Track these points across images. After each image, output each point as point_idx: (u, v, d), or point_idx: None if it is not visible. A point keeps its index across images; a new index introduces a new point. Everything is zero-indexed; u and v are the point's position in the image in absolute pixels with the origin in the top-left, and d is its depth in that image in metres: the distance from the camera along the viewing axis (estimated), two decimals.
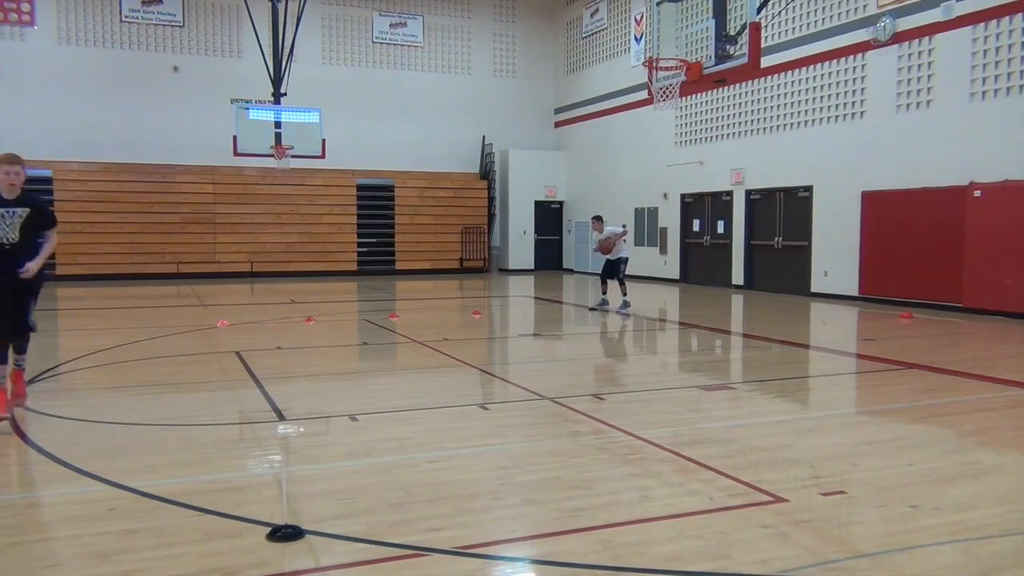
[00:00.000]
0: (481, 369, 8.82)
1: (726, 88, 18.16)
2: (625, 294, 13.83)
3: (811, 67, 16.55)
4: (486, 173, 25.85)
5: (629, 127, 22.56)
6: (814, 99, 16.53)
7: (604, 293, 14.32)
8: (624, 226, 15.59)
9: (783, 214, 17.60)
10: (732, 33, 10.72)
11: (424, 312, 15.22)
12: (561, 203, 26.40)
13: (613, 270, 14.02)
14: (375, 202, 24.43)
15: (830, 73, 16.10)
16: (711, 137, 19.65)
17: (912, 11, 14.27)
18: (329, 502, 4.24)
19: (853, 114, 15.62)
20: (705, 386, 7.51)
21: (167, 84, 22.32)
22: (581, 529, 3.85)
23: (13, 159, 5.89)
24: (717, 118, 19.39)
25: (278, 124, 18.36)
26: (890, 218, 14.75)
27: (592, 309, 14.24)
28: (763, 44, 11.45)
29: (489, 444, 5.48)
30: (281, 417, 6.23)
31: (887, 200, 14.79)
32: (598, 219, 14.45)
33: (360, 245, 24.28)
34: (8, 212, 5.86)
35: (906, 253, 14.41)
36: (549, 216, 26.33)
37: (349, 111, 23.36)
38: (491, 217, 25.93)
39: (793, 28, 16.96)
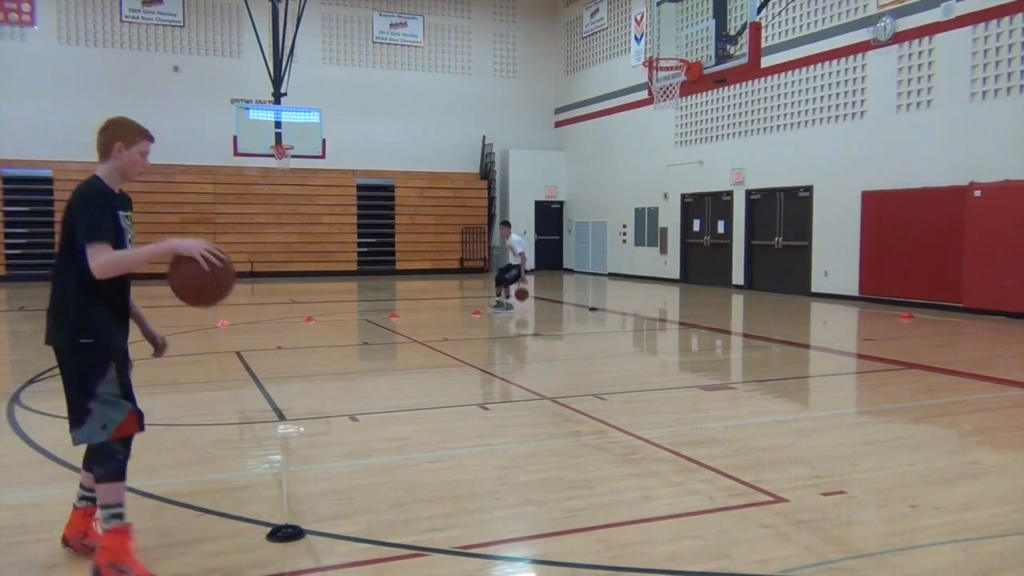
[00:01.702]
0: (481, 369, 8.82)
1: (726, 88, 18.15)
2: (508, 296, 13.87)
3: (811, 67, 16.54)
4: (486, 173, 25.85)
5: (629, 127, 22.55)
6: (814, 99, 16.52)
7: (505, 297, 13.95)
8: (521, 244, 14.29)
9: (783, 214, 17.60)
10: (732, 33, 10.72)
11: (424, 312, 15.21)
12: (561, 203, 26.39)
13: (507, 273, 13.97)
14: (375, 202, 24.43)
15: (830, 73, 16.10)
16: (711, 137, 19.64)
17: (912, 11, 14.27)
18: (329, 502, 4.24)
19: (853, 114, 15.61)
20: (705, 386, 7.51)
21: (167, 84, 22.31)
22: (581, 529, 3.84)
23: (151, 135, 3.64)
24: (717, 118, 19.38)
25: (278, 124, 18.36)
26: (890, 218, 14.74)
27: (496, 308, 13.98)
28: (763, 44, 11.44)
29: (489, 444, 5.48)
30: (281, 417, 6.23)
31: (887, 200, 14.78)
32: (505, 224, 14.55)
33: (360, 245, 24.28)
34: (127, 218, 3.59)
35: (906, 253, 14.40)
36: (549, 216, 26.32)
37: (349, 111, 23.35)
38: (491, 217, 25.92)
39: (793, 28, 16.96)
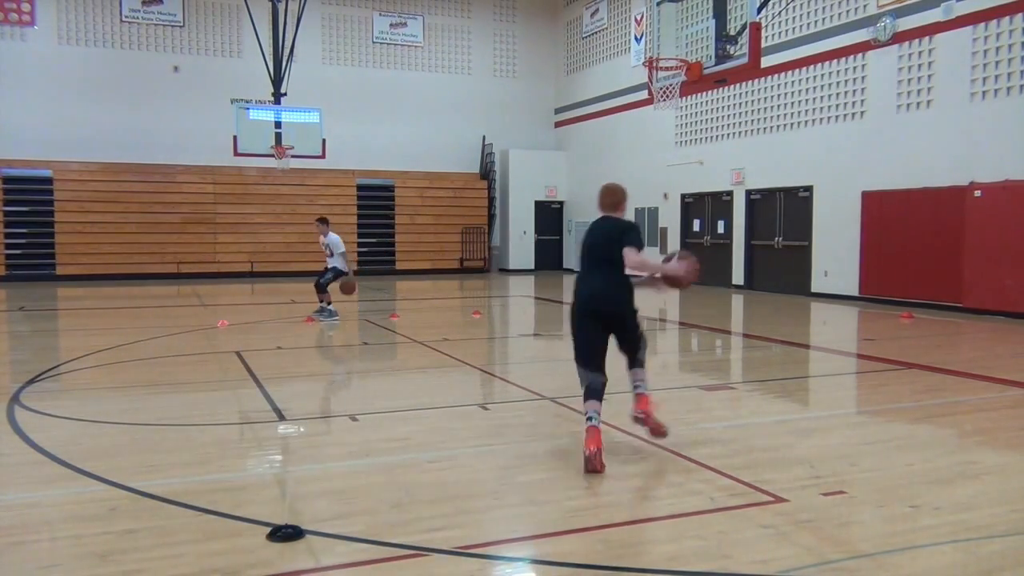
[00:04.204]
0: (481, 369, 8.82)
1: (726, 88, 18.15)
2: (328, 303, 12.85)
3: (811, 67, 16.54)
4: (486, 173, 25.84)
5: (629, 127, 22.55)
6: (814, 99, 16.52)
7: (328, 303, 12.90)
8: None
9: (783, 214, 17.60)
10: (732, 33, 10.71)
11: (424, 312, 15.21)
12: (561, 203, 26.39)
13: (321, 277, 12.94)
14: (375, 202, 24.42)
15: (830, 73, 16.09)
16: (711, 137, 19.64)
17: (912, 11, 14.27)
18: (329, 502, 4.24)
19: (853, 114, 15.61)
20: (705, 386, 7.51)
21: (167, 84, 22.31)
22: (581, 529, 3.85)
23: None
24: (717, 118, 19.38)
25: (278, 124, 18.35)
26: (890, 218, 14.74)
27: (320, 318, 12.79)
28: (763, 44, 11.43)
29: (489, 444, 5.48)
30: (281, 417, 6.23)
31: (887, 200, 14.78)
32: (321, 221, 13.10)
33: (360, 245, 24.26)
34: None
35: (906, 253, 14.40)
36: (549, 216, 26.32)
37: (349, 111, 23.35)
38: (491, 217, 25.92)
39: (793, 28, 16.95)
